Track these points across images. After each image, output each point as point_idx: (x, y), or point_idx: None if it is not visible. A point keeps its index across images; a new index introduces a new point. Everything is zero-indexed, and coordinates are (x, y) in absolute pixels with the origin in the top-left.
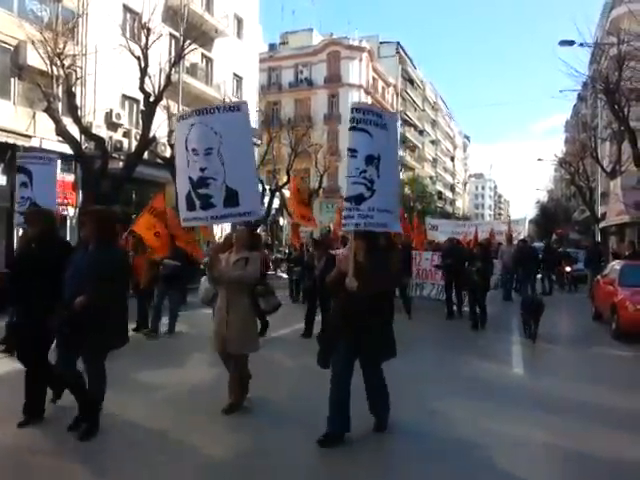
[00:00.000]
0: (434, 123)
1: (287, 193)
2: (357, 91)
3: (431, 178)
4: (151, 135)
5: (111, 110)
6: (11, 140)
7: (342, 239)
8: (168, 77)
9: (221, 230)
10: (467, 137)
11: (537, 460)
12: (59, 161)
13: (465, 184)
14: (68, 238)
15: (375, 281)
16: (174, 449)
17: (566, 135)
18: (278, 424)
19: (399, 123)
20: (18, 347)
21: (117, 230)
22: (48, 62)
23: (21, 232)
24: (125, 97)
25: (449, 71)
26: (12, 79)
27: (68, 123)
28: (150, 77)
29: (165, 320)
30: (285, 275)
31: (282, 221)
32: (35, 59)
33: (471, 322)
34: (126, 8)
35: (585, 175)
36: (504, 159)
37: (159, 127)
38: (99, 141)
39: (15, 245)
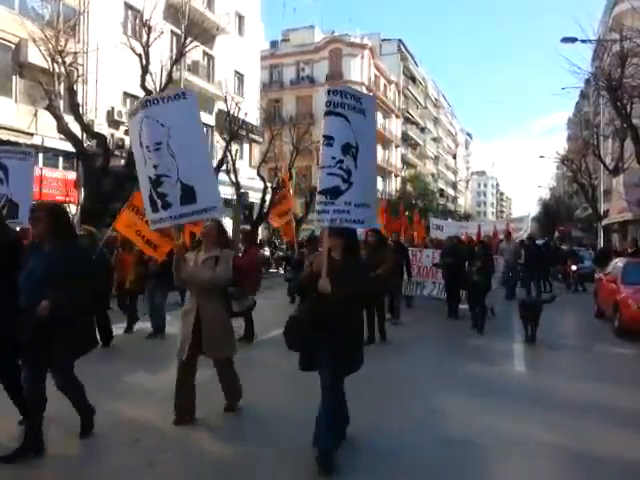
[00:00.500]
0: (436, 120)
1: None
2: (359, 88)
3: (433, 176)
4: None
5: (113, 108)
6: (13, 138)
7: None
8: (169, 75)
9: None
10: (469, 134)
11: (539, 459)
12: (41, 155)
13: (467, 182)
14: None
15: (351, 283)
16: (172, 448)
17: (568, 132)
18: (270, 426)
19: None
20: None
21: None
22: (49, 60)
23: None
24: (127, 95)
25: (451, 68)
26: (13, 77)
27: (70, 121)
28: (151, 75)
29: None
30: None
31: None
32: (36, 57)
33: (471, 321)
34: (127, 5)
35: (587, 172)
36: (506, 156)
37: None
38: (101, 139)
39: None
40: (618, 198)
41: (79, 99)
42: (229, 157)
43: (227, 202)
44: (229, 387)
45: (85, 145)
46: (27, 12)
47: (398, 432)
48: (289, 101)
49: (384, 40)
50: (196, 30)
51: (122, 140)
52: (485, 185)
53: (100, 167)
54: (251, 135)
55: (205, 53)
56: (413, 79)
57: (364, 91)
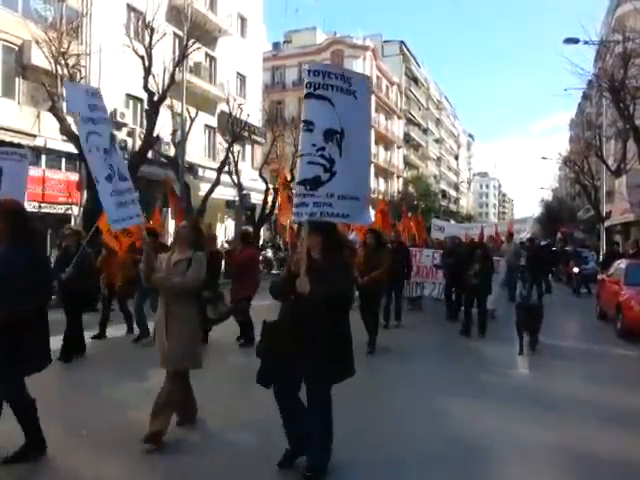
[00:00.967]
0: (438, 122)
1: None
2: None
3: (435, 177)
4: (155, 134)
5: (115, 109)
6: (16, 139)
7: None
8: (172, 76)
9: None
10: (471, 136)
11: (540, 460)
12: (44, 156)
13: (469, 183)
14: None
15: (332, 284)
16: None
17: (570, 133)
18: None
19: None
20: None
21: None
22: (52, 61)
23: None
24: (129, 96)
25: (453, 69)
26: (17, 79)
27: (72, 122)
28: (154, 76)
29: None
30: None
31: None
32: (39, 59)
33: (461, 326)
34: (130, 7)
35: (590, 174)
36: (508, 158)
37: (163, 126)
38: None
39: None
40: (620, 199)
41: None
42: (231, 158)
43: (229, 203)
44: (181, 404)
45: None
46: (30, 14)
47: (399, 434)
48: (291, 102)
49: (386, 41)
50: (198, 32)
51: (124, 141)
52: (487, 186)
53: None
54: (253, 136)
55: (207, 55)
56: (415, 80)
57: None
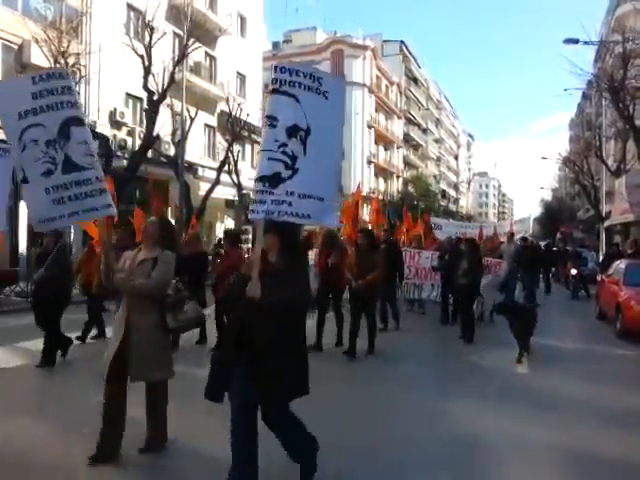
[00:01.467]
0: (438, 122)
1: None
2: (361, 89)
3: (435, 177)
4: (155, 133)
5: (115, 109)
6: None
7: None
8: (172, 76)
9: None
10: (471, 136)
11: (541, 460)
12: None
13: (469, 183)
14: (72, 237)
15: (287, 291)
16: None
17: (570, 134)
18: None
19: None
20: None
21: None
22: (52, 60)
23: None
24: (129, 96)
25: (453, 69)
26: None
27: None
28: (154, 76)
29: None
30: None
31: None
32: (39, 58)
33: (460, 329)
34: (130, 7)
35: (590, 174)
36: (508, 157)
37: (163, 125)
38: (103, 140)
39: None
40: (620, 199)
41: (81, 100)
42: (231, 158)
43: (229, 203)
44: (157, 419)
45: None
46: (30, 13)
47: (400, 435)
48: None
49: (386, 41)
50: (198, 31)
51: (124, 141)
52: (487, 186)
53: (102, 168)
54: (253, 136)
55: (207, 54)
56: (415, 80)
57: (366, 93)
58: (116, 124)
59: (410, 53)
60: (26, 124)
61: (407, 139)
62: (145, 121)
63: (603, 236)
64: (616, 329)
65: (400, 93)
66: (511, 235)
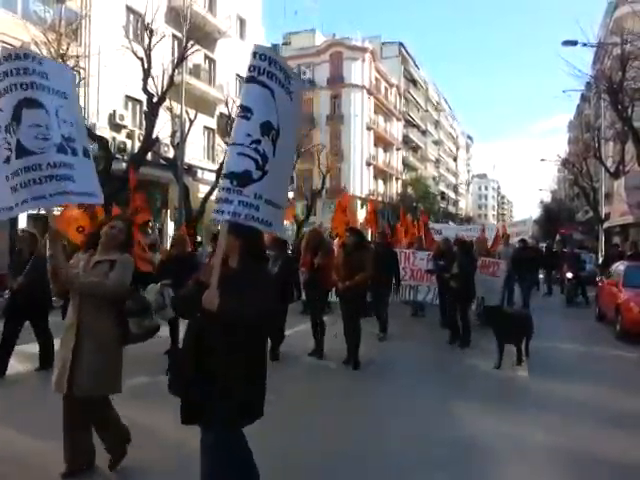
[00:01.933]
0: (437, 123)
1: (290, 194)
2: (360, 91)
3: (434, 178)
4: (154, 136)
5: (114, 111)
6: None
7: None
8: (171, 78)
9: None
10: (470, 137)
11: (540, 462)
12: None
13: (468, 184)
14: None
15: (247, 300)
16: None
17: (569, 135)
18: None
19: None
20: None
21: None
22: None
23: None
24: (128, 98)
25: (452, 71)
26: None
27: None
28: (153, 78)
29: None
30: None
31: (284, 223)
32: None
33: (449, 334)
34: (129, 9)
35: (589, 175)
36: (507, 159)
37: (162, 128)
38: (102, 142)
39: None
40: (619, 201)
41: (81, 102)
42: None
43: None
44: (110, 437)
45: None
46: (29, 16)
47: (400, 436)
48: None
49: (385, 43)
50: (197, 34)
51: (124, 143)
52: (486, 188)
53: (102, 170)
54: None
55: (206, 56)
56: (414, 82)
57: (365, 95)
58: (115, 127)
59: (409, 55)
60: None
61: (406, 141)
62: (144, 123)
63: (602, 238)
64: (616, 331)
65: (399, 95)
66: (507, 237)
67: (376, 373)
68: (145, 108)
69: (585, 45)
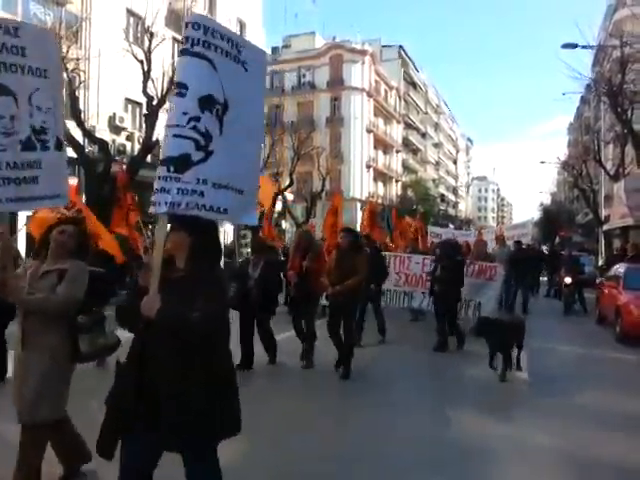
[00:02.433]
0: (437, 126)
1: (289, 196)
2: (360, 94)
3: (434, 181)
4: (154, 138)
5: (114, 113)
6: None
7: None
8: (171, 80)
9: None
10: (470, 140)
11: (540, 464)
12: None
13: (468, 187)
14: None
15: (194, 306)
16: None
17: (569, 138)
18: None
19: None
20: None
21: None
22: None
23: None
24: (128, 100)
25: (452, 73)
26: None
27: (71, 127)
28: (153, 81)
29: None
30: None
31: (284, 225)
32: None
33: (438, 339)
34: (129, 12)
35: (588, 178)
36: (507, 161)
37: (162, 131)
38: (102, 144)
39: None
40: (619, 203)
41: (81, 105)
42: None
43: None
44: (65, 455)
45: (86, 151)
46: (29, 18)
47: (399, 439)
48: (290, 107)
49: (385, 46)
50: None
51: (123, 146)
52: (486, 190)
53: (101, 173)
54: None
55: None
56: (414, 85)
57: (365, 97)
58: (115, 129)
59: (409, 58)
60: None
61: (406, 143)
62: (144, 126)
63: (602, 240)
64: (616, 333)
65: (399, 97)
66: (502, 238)
67: (372, 377)
68: (145, 111)
69: (585, 47)
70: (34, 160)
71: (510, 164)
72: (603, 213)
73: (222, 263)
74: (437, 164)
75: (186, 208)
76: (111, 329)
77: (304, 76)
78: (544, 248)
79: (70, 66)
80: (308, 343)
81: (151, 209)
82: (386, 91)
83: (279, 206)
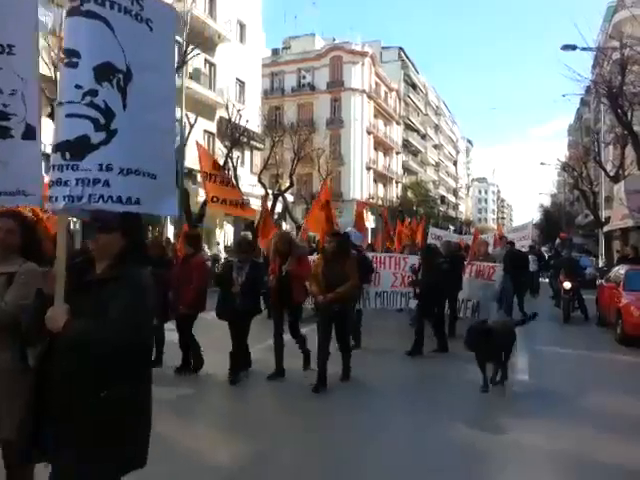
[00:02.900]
0: (437, 128)
1: (290, 198)
2: (359, 96)
3: (434, 182)
4: None
5: None
6: None
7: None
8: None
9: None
10: (470, 141)
11: (541, 466)
12: (43, 163)
13: (468, 188)
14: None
15: (112, 318)
16: None
17: (569, 139)
18: None
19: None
20: None
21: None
22: (52, 67)
23: None
24: None
25: (451, 74)
26: None
27: None
28: None
29: None
30: None
31: (285, 226)
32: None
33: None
34: None
35: (588, 179)
36: (507, 163)
37: None
38: None
39: None
40: (619, 205)
41: None
42: (230, 164)
43: None
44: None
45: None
46: None
47: (399, 441)
48: (290, 108)
49: (385, 48)
50: (198, 38)
51: None
52: (486, 192)
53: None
54: (252, 142)
55: (207, 61)
56: (414, 86)
57: (365, 99)
58: None
59: (409, 59)
60: None
61: (406, 145)
62: None
63: (602, 241)
64: (616, 334)
65: (399, 99)
66: (500, 240)
67: (369, 382)
68: None
69: (584, 49)
70: None
71: (510, 166)
72: (603, 214)
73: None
74: (437, 166)
75: (89, 202)
76: None
77: (304, 77)
78: (543, 249)
79: None
80: (301, 348)
81: (47, 205)
82: (386, 93)
83: (279, 207)
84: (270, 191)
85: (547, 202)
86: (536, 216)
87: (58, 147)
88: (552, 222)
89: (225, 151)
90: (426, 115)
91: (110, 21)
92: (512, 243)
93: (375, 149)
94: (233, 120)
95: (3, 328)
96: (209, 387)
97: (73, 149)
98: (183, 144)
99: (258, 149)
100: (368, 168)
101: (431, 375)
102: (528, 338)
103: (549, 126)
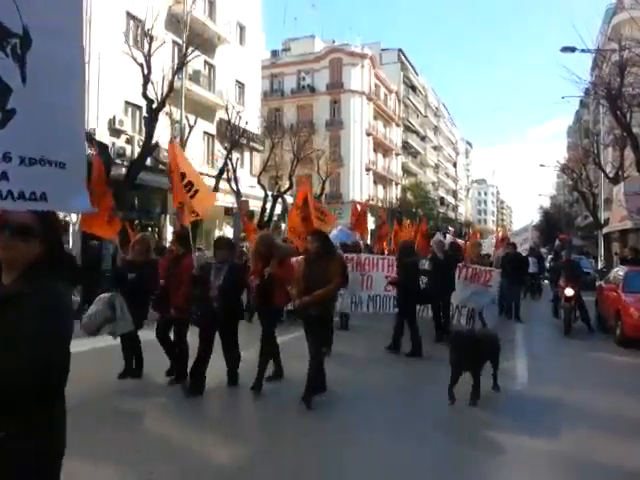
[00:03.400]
0: (436, 129)
1: (290, 199)
2: (359, 97)
3: (433, 184)
4: (154, 141)
5: (114, 117)
6: None
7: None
8: (171, 84)
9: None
10: (469, 143)
11: (541, 468)
12: None
13: (467, 190)
14: (71, 244)
15: (20, 342)
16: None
17: (568, 141)
18: None
19: None
20: None
21: None
22: None
23: None
24: (128, 104)
25: (451, 76)
26: None
27: None
28: (153, 84)
29: None
30: None
31: (284, 227)
32: None
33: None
34: (129, 15)
35: (588, 181)
36: (506, 164)
37: (162, 133)
38: (102, 147)
39: None
40: (619, 206)
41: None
42: (230, 165)
43: (228, 210)
44: None
45: (86, 154)
46: None
47: (399, 443)
48: (290, 110)
49: (384, 49)
50: (197, 40)
51: (123, 149)
52: (485, 193)
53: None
54: (252, 144)
55: (206, 62)
56: (413, 88)
57: (364, 101)
58: (115, 132)
59: (408, 61)
60: None
61: (405, 146)
62: (144, 129)
63: (601, 243)
64: (616, 336)
65: (398, 101)
66: (502, 242)
67: (363, 387)
68: (145, 114)
69: (584, 51)
70: None
71: (510, 167)
72: (603, 216)
73: None
74: (437, 167)
75: None
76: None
77: (304, 79)
78: (542, 251)
79: None
80: (262, 357)
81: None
82: (386, 94)
83: (278, 209)
84: (270, 193)
85: (547, 204)
86: (536, 218)
87: None
88: (552, 224)
89: (224, 153)
90: (425, 117)
91: None
92: (514, 245)
93: (374, 151)
94: (233, 122)
95: None
96: (207, 388)
97: None
98: (182, 146)
99: (258, 151)
100: (367, 169)
101: (430, 378)
102: (526, 339)
103: (548, 127)
